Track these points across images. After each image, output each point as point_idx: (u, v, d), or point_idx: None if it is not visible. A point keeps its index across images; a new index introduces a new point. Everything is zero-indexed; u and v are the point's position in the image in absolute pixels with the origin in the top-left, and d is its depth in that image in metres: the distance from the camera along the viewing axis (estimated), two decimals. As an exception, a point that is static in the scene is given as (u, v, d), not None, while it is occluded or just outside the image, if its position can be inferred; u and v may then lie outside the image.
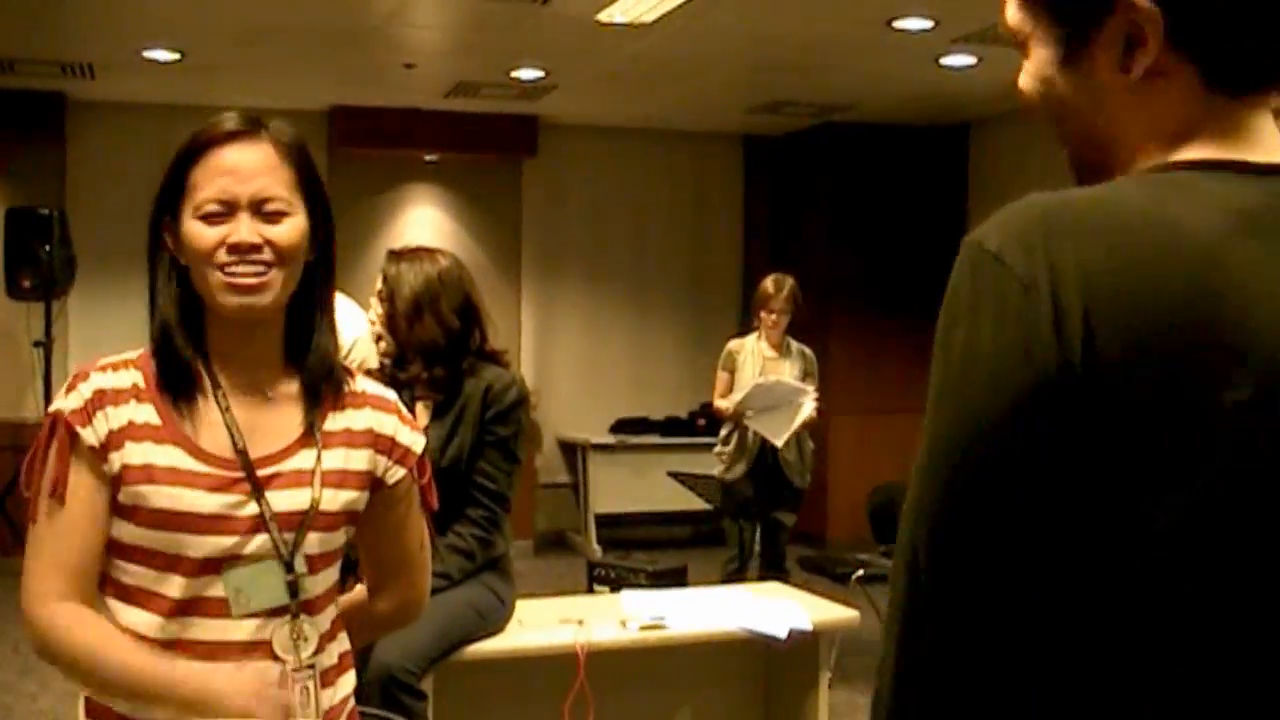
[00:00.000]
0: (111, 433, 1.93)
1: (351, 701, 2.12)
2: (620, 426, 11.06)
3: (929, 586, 1.11)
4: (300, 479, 1.97)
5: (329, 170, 10.60)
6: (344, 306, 4.49)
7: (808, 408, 6.97)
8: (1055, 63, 1.23)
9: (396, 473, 2.09)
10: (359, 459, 2.04)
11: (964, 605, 1.10)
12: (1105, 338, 1.05)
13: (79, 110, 9.98)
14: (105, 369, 1.99)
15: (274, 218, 1.93)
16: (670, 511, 10.14)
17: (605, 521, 10.69)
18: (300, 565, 1.95)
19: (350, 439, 2.03)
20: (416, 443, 2.13)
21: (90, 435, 1.93)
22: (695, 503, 8.13)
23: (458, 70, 9.25)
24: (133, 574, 1.95)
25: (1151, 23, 1.14)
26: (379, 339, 4.04)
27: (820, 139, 10.86)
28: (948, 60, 8.58)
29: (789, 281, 7.16)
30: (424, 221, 10.97)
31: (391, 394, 2.15)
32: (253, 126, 1.96)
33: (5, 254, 9.15)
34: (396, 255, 4.07)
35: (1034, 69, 1.25)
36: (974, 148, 11.06)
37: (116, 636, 1.94)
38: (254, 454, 1.95)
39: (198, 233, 1.92)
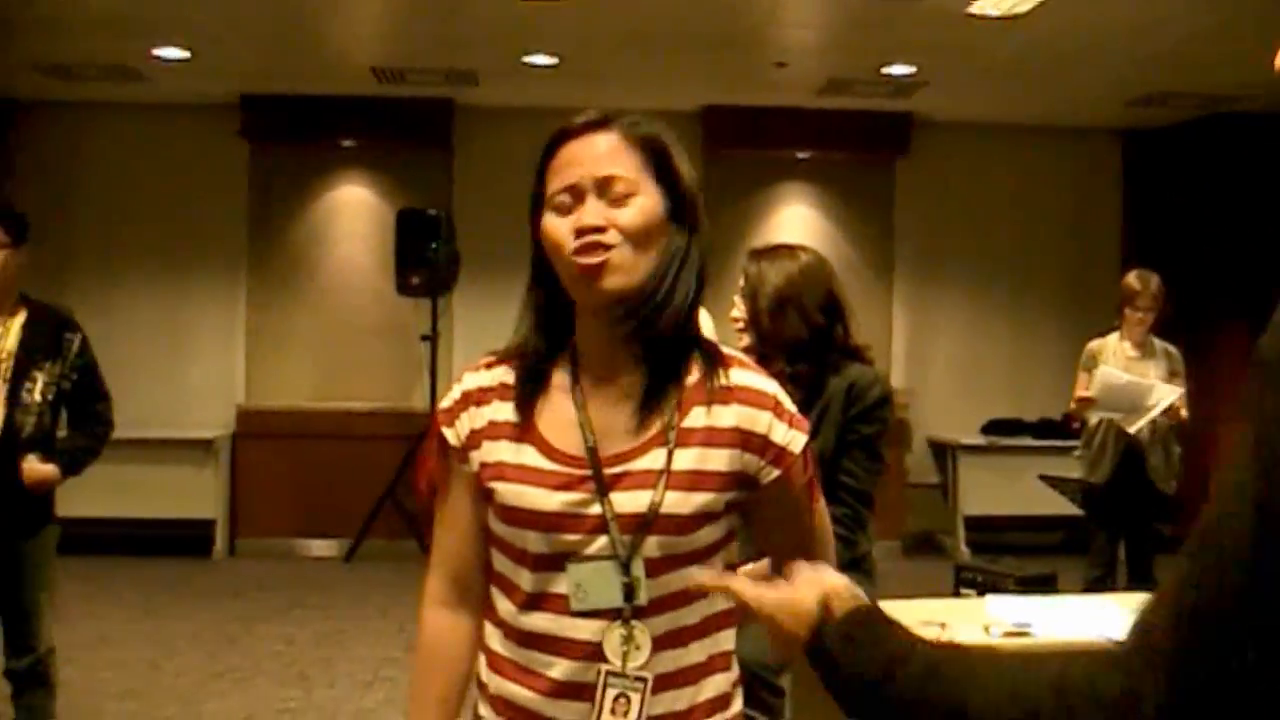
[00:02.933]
0: (473, 432, 1.99)
1: (731, 706, 2.02)
2: (991, 428, 10.87)
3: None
4: (646, 480, 1.88)
5: (703, 171, 10.77)
6: None
7: (1169, 398, 6.65)
8: None
9: (770, 473, 1.93)
10: (719, 459, 1.91)
11: None
12: None
13: (465, 116, 10.43)
14: (480, 368, 2.03)
15: (620, 200, 1.88)
16: (1041, 516, 9.85)
17: (974, 524, 10.53)
18: (638, 569, 1.88)
19: (711, 437, 1.91)
20: (794, 441, 1.94)
21: (453, 436, 2.01)
22: (1067, 508, 7.90)
23: (829, 68, 9.26)
24: (500, 562, 1.99)
25: None
26: (741, 335, 4.05)
27: (1207, 132, 10.34)
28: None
29: (1154, 278, 6.87)
30: (795, 220, 11.01)
31: (771, 385, 1.97)
32: (600, 119, 1.94)
33: (396, 253, 9.70)
34: (757, 254, 4.04)
35: None
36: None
37: (425, 680, 2.06)
38: (606, 452, 1.90)
39: (552, 226, 1.90)
